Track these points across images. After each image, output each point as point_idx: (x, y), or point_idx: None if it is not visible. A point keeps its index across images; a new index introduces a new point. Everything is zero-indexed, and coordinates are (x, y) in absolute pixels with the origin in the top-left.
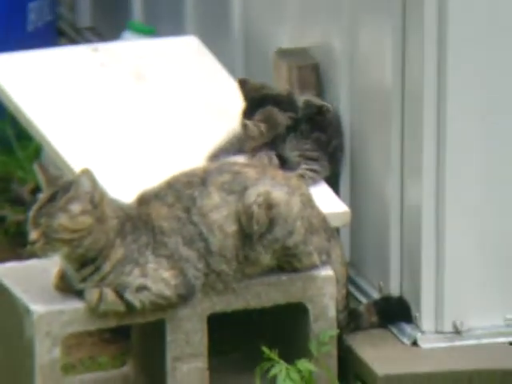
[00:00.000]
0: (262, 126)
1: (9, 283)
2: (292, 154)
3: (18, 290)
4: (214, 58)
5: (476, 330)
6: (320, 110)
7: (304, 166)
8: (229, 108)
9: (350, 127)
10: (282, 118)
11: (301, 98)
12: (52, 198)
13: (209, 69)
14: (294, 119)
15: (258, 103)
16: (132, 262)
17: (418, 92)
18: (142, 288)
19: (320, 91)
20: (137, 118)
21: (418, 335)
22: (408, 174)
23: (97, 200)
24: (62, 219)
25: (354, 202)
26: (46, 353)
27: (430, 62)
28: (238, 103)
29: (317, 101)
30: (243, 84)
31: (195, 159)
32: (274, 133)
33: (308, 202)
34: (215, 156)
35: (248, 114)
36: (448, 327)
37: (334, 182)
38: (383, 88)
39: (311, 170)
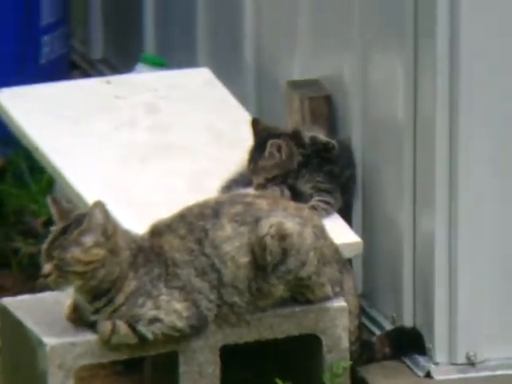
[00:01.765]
0: (284, 153)
1: (21, 316)
2: (305, 187)
3: (30, 323)
4: (225, 89)
5: (490, 362)
6: (326, 147)
7: (317, 198)
8: (241, 140)
9: (362, 158)
10: (296, 152)
11: (307, 135)
12: (65, 231)
13: (221, 100)
14: (304, 155)
15: (264, 141)
16: (145, 294)
17: (430, 124)
18: (154, 320)
19: (332, 122)
20: (150, 150)
21: (432, 367)
22: (420, 205)
23: (110, 232)
24: (75, 252)
25: (366, 233)
26: None
27: (442, 96)
28: (250, 135)
29: (323, 138)
30: (255, 124)
31: (207, 191)
32: (289, 164)
33: (320, 233)
34: (227, 187)
35: (255, 152)
36: (461, 359)
37: (346, 213)
38: (395, 119)
39: (324, 202)
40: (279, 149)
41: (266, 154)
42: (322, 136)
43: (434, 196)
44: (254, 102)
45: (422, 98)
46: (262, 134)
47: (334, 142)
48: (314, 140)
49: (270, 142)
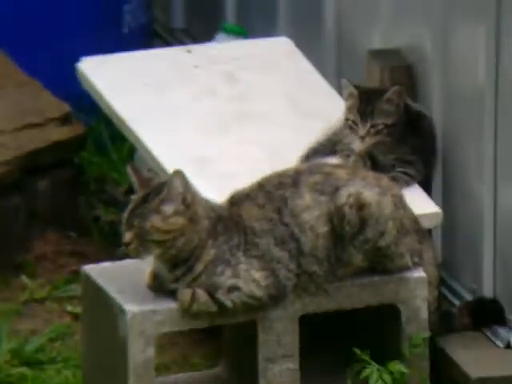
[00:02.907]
0: (402, 102)
1: (103, 283)
2: (388, 157)
3: (112, 290)
4: (305, 59)
5: None
6: (418, 117)
7: (399, 169)
8: (320, 110)
9: (443, 128)
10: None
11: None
12: (145, 200)
13: (300, 70)
14: (394, 123)
15: (369, 96)
16: (224, 262)
17: None
18: (233, 288)
19: (412, 93)
20: (229, 120)
21: None
22: (502, 176)
23: (189, 201)
24: (155, 221)
25: (446, 203)
26: (140, 352)
27: None
28: (330, 105)
29: (416, 106)
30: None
31: (287, 160)
32: (398, 115)
33: (400, 203)
34: (307, 157)
35: (366, 100)
36: None
37: (426, 185)
38: (476, 89)
39: (406, 174)
40: (400, 95)
41: (387, 96)
42: (414, 104)
43: None
44: (334, 72)
45: (504, 67)
46: (365, 90)
47: (426, 111)
48: (406, 107)
49: (393, 88)
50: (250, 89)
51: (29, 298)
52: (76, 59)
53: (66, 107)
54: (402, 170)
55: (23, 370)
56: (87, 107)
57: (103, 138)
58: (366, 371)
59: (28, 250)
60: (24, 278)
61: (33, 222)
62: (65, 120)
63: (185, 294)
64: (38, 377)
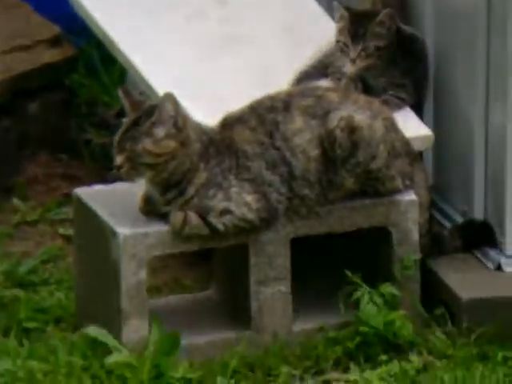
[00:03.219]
0: (393, 25)
1: (95, 206)
2: (379, 81)
3: (104, 213)
4: None
5: None
6: (411, 39)
7: (390, 92)
8: (311, 32)
9: (435, 49)
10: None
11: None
12: (136, 123)
13: None
14: (385, 45)
15: (361, 19)
16: (215, 185)
17: (506, 10)
18: (225, 211)
19: (404, 15)
20: (219, 43)
21: (502, 259)
22: (493, 97)
23: (180, 124)
24: (146, 143)
25: (437, 126)
26: (132, 275)
27: None
28: (321, 27)
29: (408, 28)
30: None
31: (278, 83)
32: (392, 39)
33: (391, 126)
34: (299, 80)
35: (356, 23)
36: None
37: (417, 108)
38: (469, 7)
39: (397, 97)
40: (392, 18)
41: (379, 19)
42: (406, 27)
43: (506, 88)
44: None
45: None
46: (356, 12)
47: (418, 34)
48: (398, 30)
49: (385, 11)
50: (240, 11)
51: (21, 220)
52: None
53: (55, 29)
54: (393, 93)
55: (16, 291)
56: (78, 29)
57: (94, 61)
58: (358, 293)
59: (19, 172)
60: (16, 201)
61: (24, 144)
62: (55, 42)
63: (177, 216)
64: (30, 298)
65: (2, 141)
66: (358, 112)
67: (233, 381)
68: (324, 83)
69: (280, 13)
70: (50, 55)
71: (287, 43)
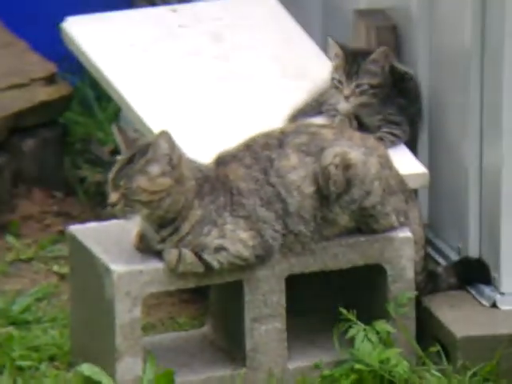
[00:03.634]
0: (387, 63)
1: (89, 243)
2: (374, 118)
3: (98, 250)
4: (291, 18)
5: None
6: (403, 77)
7: (385, 130)
8: (306, 70)
9: (429, 89)
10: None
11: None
12: (130, 160)
13: (286, 29)
14: (379, 84)
15: (355, 56)
16: (210, 222)
17: (499, 52)
18: (220, 249)
19: (398, 53)
20: (215, 79)
21: (497, 297)
22: (487, 136)
23: (175, 161)
24: (141, 181)
25: (432, 164)
26: (126, 312)
27: (511, 25)
28: (316, 65)
29: (401, 67)
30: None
31: (273, 121)
32: (385, 80)
33: (386, 163)
34: (294, 117)
35: (351, 62)
36: None
37: (412, 145)
38: (462, 49)
39: (392, 134)
40: (386, 56)
41: (373, 57)
42: (399, 65)
43: (501, 128)
44: (320, 31)
45: (490, 25)
46: (351, 50)
47: (411, 72)
48: (392, 68)
49: (379, 49)
50: (235, 48)
51: (15, 257)
52: (61, 19)
53: (52, 67)
54: (387, 130)
55: (10, 329)
56: (72, 67)
57: (88, 98)
58: (352, 330)
59: (14, 209)
60: (10, 238)
61: (18, 181)
62: (50, 80)
63: (171, 254)
64: (24, 336)
65: None
66: (353, 149)
67: None
68: (319, 120)
69: (276, 51)
70: (46, 93)
71: (283, 80)
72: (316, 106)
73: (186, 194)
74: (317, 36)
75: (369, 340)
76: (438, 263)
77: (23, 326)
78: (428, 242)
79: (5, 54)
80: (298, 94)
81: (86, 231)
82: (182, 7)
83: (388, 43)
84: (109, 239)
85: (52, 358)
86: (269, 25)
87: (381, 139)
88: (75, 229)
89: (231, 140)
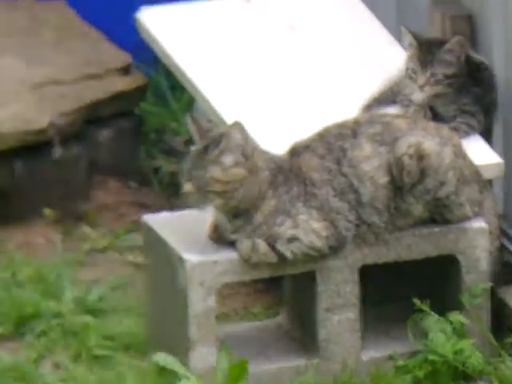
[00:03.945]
0: (463, 53)
1: (163, 233)
2: (449, 108)
3: (172, 240)
4: (365, 7)
5: None
6: (479, 67)
7: (459, 120)
8: (381, 59)
9: (505, 78)
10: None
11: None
12: (204, 151)
13: (361, 19)
14: (455, 74)
15: (430, 46)
16: (283, 213)
17: None
18: (293, 239)
19: (473, 42)
20: (289, 69)
21: None
22: None
23: (248, 152)
24: (214, 171)
25: (507, 154)
26: (200, 302)
27: None
28: (391, 54)
29: (476, 56)
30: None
31: (347, 110)
32: (461, 69)
33: (460, 153)
34: (368, 107)
35: (425, 51)
36: None
37: (486, 136)
38: None
39: (467, 124)
40: (462, 46)
41: (448, 46)
42: (475, 55)
43: None
44: (394, 21)
45: None
46: (425, 40)
47: (486, 62)
48: (467, 58)
49: (454, 38)
50: (309, 38)
51: (90, 247)
52: (136, 9)
53: (127, 58)
54: (462, 120)
55: (86, 318)
56: (147, 58)
57: (163, 89)
58: (426, 321)
59: (89, 199)
60: (85, 228)
61: (94, 172)
62: (125, 70)
63: (244, 244)
64: (100, 325)
65: (72, 168)
66: (427, 138)
67: None
68: (393, 110)
69: (351, 40)
70: (121, 84)
71: (357, 70)
72: (390, 95)
73: (259, 184)
74: (392, 25)
75: (442, 331)
76: None
77: (99, 315)
78: (503, 233)
79: (81, 44)
80: (373, 84)
81: (160, 221)
82: None
83: (463, 33)
84: (183, 229)
85: (127, 347)
86: (343, 14)
87: (455, 129)
88: (150, 218)
89: (305, 130)
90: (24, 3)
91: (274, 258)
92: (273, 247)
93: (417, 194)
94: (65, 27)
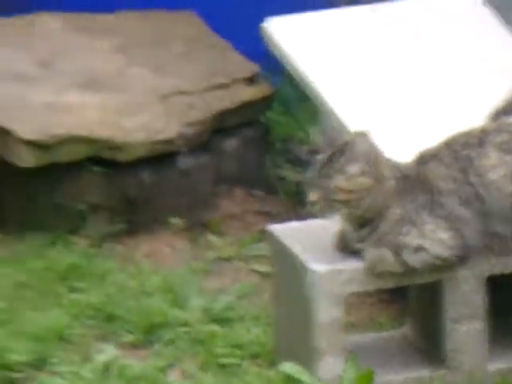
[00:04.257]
0: None
1: (289, 242)
2: None
3: (298, 249)
4: (492, 12)
5: None
6: None
7: None
8: (508, 67)
9: None
10: None
11: None
12: (329, 160)
13: (486, 26)
14: None
15: None
16: (409, 222)
17: None
18: (419, 249)
19: None
20: (415, 77)
21: None
22: None
23: (373, 161)
24: (339, 181)
25: None
26: (327, 312)
27: None
28: None
29: None
30: None
31: (474, 119)
32: None
33: None
34: (495, 116)
35: None
36: None
37: None
38: None
39: None
40: None
41: None
42: None
43: None
44: None
45: None
46: None
47: None
48: None
49: None
50: (435, 46)
51: (216, 256)
52: (261, 19)
53: (254, 67)
54: None
55: (213, 327)
56: (274, 68)
57: (289, 98)
58: None
59: (215, 208)
60: (211, 237)
61: (220, 181)
62: (252, 80)
63: (371, 253)
64: (227, 334)
65: (199, 177)
66: None
67: None
68: None
69: (477, 48)
70: (248, 93)
71: (484, 78)
72: None
73: (385, 193)
74: None
75: None
76: None
77: (226, 324)
78: None
79: (209, 55)
80: (499, 92)
81: (286, 230)
82: (380, 7)
83: None
84: (309, 238)
85: (255, 356)
86: (468, 21)
87: None
88: (275, 228)
89: (431, 139)
90: (154, 14)
91: (399, 268)
92: (399, 256)
93: None
94: (193, 37)
